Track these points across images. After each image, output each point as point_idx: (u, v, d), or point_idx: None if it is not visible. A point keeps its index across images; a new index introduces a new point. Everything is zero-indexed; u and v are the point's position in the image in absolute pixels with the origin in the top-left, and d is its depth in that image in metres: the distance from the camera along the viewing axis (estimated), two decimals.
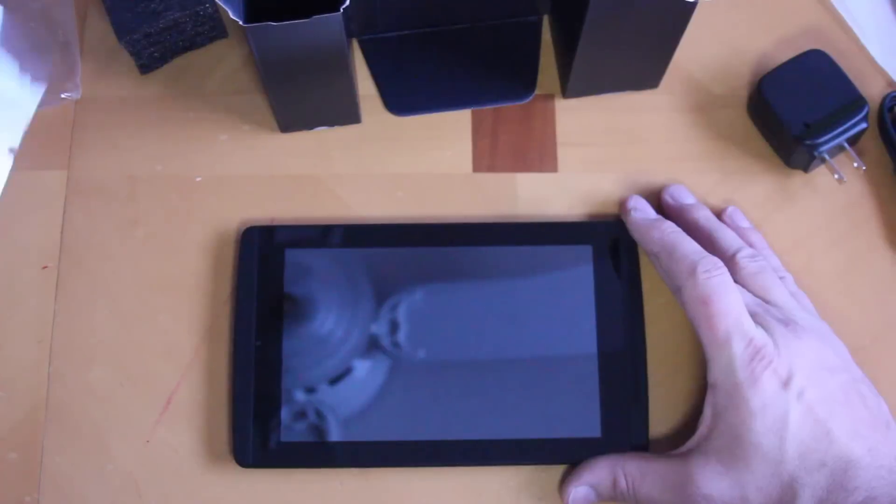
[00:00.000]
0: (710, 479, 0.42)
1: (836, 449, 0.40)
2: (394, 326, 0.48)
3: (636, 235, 0.48)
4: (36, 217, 0.51)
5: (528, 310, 0.48)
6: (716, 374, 0.43)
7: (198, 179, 0.52)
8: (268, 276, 0.48)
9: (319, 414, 0.47)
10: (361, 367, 0.47)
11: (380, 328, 0.48)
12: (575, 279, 0.49)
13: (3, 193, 0.50)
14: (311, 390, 0.47)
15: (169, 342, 0.49)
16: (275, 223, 0.51)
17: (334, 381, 0.47)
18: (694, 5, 0.46)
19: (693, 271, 0.44)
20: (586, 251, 0.49)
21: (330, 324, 0.48)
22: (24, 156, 0.52)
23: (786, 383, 0.41)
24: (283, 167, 0.52)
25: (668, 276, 0.46)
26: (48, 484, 0.47)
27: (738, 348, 0.42)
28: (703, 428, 0.43)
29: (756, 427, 0.41)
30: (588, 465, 0.45)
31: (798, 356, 0.42)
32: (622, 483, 0.44)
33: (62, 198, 0.52)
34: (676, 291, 0.45)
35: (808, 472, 0.40)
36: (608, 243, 0.49)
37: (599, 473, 0.45)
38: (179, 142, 0.53)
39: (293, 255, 0.49)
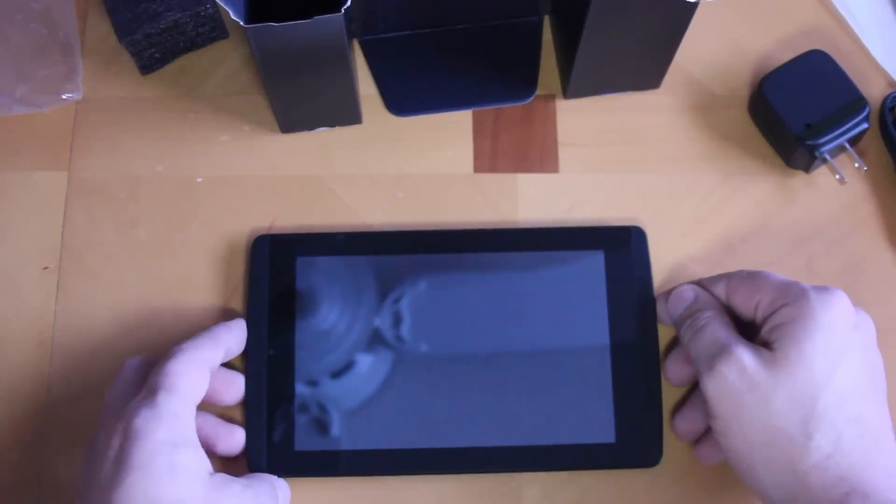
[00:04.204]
0: (755, 353, 0.41)
1: (875, 415, 0.40)
2: (412, 337, 0.48)
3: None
4: (36, 217, 0.51)
5: (541, 315, 0.48)
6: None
7: (198, 180, 0.52)
8: (279, 285, 0.48)
9: (334, 423, 0.47)
10: (375, 377, 0.47)
11: (394, 337, 0.48)
12: (587, 284, 0.48)
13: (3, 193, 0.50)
14: (325, 401, 0.47)
15: (171, 343, 0.49)
16: (276, 224, 0.51)
17: (348, 392, 0.47)
18: (695, 6, 0.46)
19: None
20: (598, 256, 0.49)
21: (343, 331, 0.48)
22: (25, 156, 0.52)
23: (855, 326, 0.41)
24: (283, 168, 0.52)
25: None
26: (48, 484, 0.47)
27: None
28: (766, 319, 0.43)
29: (817, 340, 0.40)
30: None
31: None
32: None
33: (63, 198, 0.52)
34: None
35: (843, 416, 0.39)
36: (620, 249, 0.49)
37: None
38: (180, 142, 0.53)
39: (304, 264, 0.49)
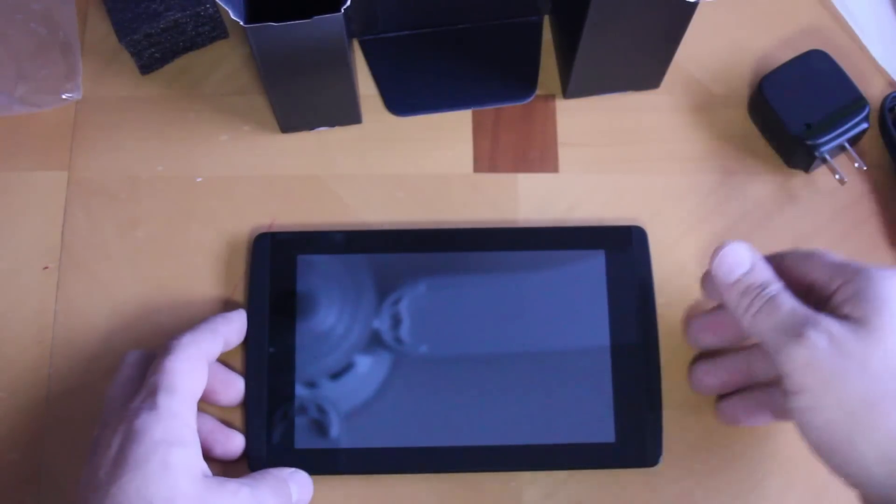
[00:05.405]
0: (840, 322, 0.39)
1: None
2: (412, 337, 0.48)
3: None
4: (36, 217, 0.51)
5: (542, 315, 0.48)
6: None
7: (198, 180, 0.52)
8: (279, 283, 0.48)
9: (333, 422, 0.47)
10: (376, 376, 0.47)
11: (394, 335, 0.48)
12: (588, 284, 0.48)
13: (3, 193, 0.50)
14: (325, 398, 0.47)
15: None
16: (276, 223, 0.51)
17: (348, 390, 0.47)
18: (695, 5, 0.46)
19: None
20: (598, 256, 0.49)
21: (343, 330, 0.48)
22: (25, 156, 0.52)
23: None
24: (283, 167, 0.52)
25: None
26: (48, 484, 0.47)
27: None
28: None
29: (894, 308, 0.38)
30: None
31: None
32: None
33: (63, 198, 0.52)
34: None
35: None
36: (621, 248, 0.49)
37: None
38: (180, 142, 0.53)
39: (304, 262, 0.49)
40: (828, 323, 0.39)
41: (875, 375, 0.38)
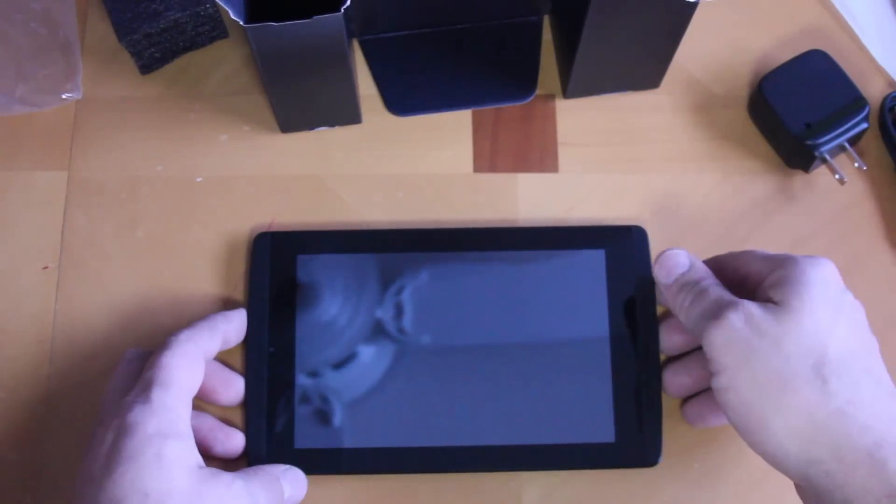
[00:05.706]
0: (761, 305, 0.41)
1: (884, 374, 0.40)
2: (412, 339, 0.48)
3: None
4: (36, 217, 0.51)
5: (542, 315, 0.48)
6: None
7: (198, 180, 0.52)
8: (279, 283, 0.48)
9: (333, 423, 0.47)
10: (374, 375, 0.47)
11: (394, 338, 0.48)
12: (588, 284, 0.48)
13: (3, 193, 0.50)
14: (324, 399, 0.47)
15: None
16: (276, 223, 0.51)
17: (347, 391, 0.47)
18: (694, 6, 0.46)
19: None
20: (598, 255, 0.49)
21: (341, 329, 0.48)
22: (25, 156, 0.52)
23: (845, 290, 0.42)
24: (283, 167, 0.52)
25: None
26: (48, 484, 0.47)
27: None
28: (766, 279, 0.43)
29: (814, 291, 0.40)
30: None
31: None
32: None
33: (63, 198, 0.52)
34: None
35: (856, 365, 0.39)
36: (621, 248, 0.49)
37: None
38: (180, 142, 0.53)
39: (304, 262, 0.49)
40: (747, 305, 0.41)
41: (788, 354, 0.39)
